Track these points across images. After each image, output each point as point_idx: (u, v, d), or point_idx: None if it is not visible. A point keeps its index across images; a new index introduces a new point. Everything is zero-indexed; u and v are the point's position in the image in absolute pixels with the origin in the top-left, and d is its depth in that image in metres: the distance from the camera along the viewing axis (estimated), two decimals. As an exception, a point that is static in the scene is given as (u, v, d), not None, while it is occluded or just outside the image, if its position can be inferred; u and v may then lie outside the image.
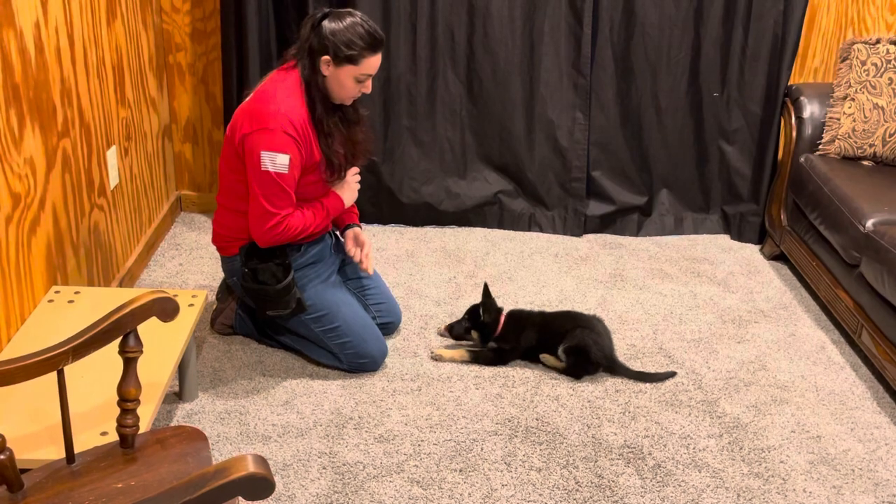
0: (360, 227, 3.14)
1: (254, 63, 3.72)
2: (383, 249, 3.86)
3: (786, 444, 2.77)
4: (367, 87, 2.85)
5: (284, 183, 2.76)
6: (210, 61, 3.91)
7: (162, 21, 3.82)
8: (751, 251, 4.07)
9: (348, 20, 2.74)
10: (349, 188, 3.02)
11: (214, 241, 3.03)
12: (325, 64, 2.75)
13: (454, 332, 3.17)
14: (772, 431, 2.83)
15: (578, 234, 4.13)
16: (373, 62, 2.79)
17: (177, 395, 2.84)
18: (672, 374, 3.06)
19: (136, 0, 3.48)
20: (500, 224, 4.16)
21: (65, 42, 2.79)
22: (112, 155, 3.23)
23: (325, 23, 2.74)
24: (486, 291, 3.15)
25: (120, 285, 3.30)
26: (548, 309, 3.35)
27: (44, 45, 2.64)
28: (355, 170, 3.03)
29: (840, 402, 3.00)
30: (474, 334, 3.14)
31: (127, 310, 1.83)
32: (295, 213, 2.84)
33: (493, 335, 3.12)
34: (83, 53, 2.94)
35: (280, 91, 2.77)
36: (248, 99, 2.86)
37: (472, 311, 3.16)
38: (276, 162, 2.72)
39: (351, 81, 2.79)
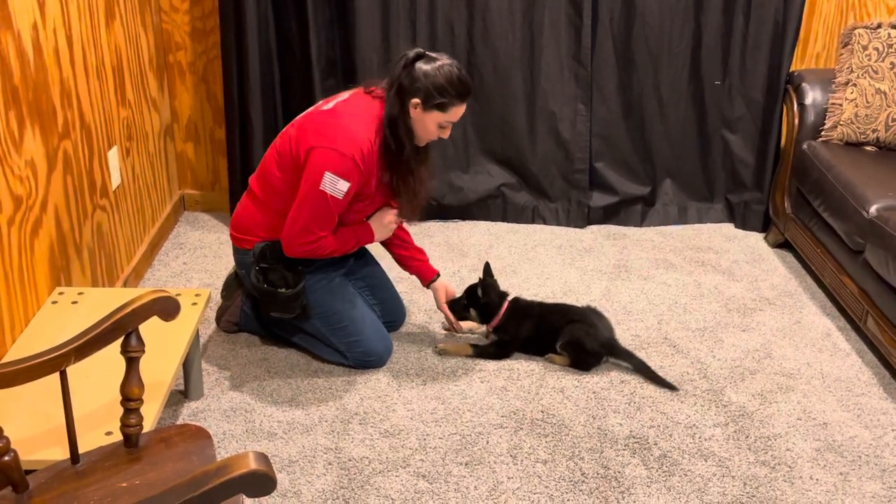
0: (440, 275, 3.19)
1: (253, 61, 3.71)
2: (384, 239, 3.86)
3: (792, 432, 2.76)
4: (447, 133, 2.86)
5: (335, 208, 2.76)
6: (210, 60, 3.91)
7: (161, 21, 3.82)
8: (755, 239, 4.06)
9: (441, 64, 2.73)
10: (383, 226, 3.01)
11: (233, 227, 3.01)
12: (414, 106, 2.74)
13: (453, 308, 3.18)
14: (778, 419, 2.82)
15: (582, 226, 4.12)
16: (460, 111, 2.80)
17: (182, 394, 2.84)
18: (673, 388, 2.96)
19: (135, 0, 3.48)
20: (504, 217, 4.16)
21: (63, 43, 2.80)
22: (113, 155, 3.24)
23: (419, 64, 2.73)
24: (487, 269, 3.18)
25: (124, 285, 3.31)
26: (550, 301, 3.35)
27: (42, 46, 2.64)
28: (394, 211, 3.02)
29: (846, 388, 2.99)
30: (473, 312, 3.15)
31: (128, 310, 1.83)
32: (330, 237, 2.85)
33: (495, 319, 3.12)
34: (82, 55, 2.95)
35: (360, 116, 2.77)
36: (322, 108, 2.85)
37: (470, 291, 3.17)
38: (337, 187, 2.72)
39: (434, 126, 2.79)
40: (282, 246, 2.86)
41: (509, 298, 3.17)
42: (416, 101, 2.73)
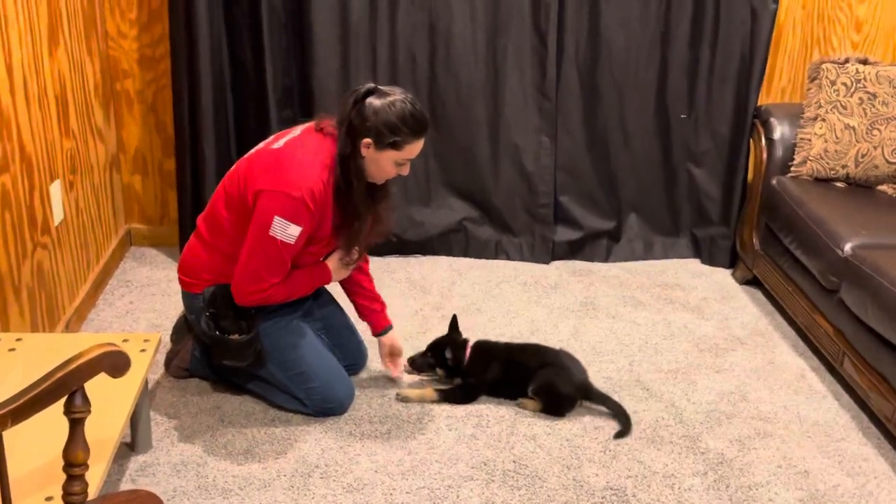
0: (392, 328, 3.02)
1: (206, 89, 3.54)
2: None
3: (773, 481, 2.65)
4: (406, 170, 2.69)
5: (287, 253, 2.60)
6: (160, 88, 3.73)
7: (108, 47, 3.64)
8: (722, 275, 3.98)
9: (394, 100, 2.56)
10: (340, 266, 2.85)
11: (180, 270, 2.84)
12: (366, 146, 2.58)
13: (416, 364, 3.03)
14: (758, 467, 2.71)
15: (547, 261, 4.01)
16: (416, 147, 2.63)
17: (128, 447, 2.65)
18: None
19: (81, 25, 3.30)
20: (466, 252, 4.03)
21: (2, 71, 2.61)
22: (56, 189, 3.04)
23: (370, 100, 2.56)
24: (454, 324, 3.02)
25: (66, 327, 3.10)
26: (518, 341, 3.22)
27: (-21, 74, 2.46)
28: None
29: (825, 433, 2.90)
30: (439, 371, 3.00)
31: (72, 366, 1.65)
32: (282, 284, 2.68)
33: (461, 368, 2.98)
34: (23, 83, 2.76)
35: (311, 156, 2.60)
36: (272, 147, 2.67)
37: (435, 347, 3.01)
38: (287, 232, 2.56)
39: (390, 165, 2.63)
40: (232, 294, 2.69)
41: (470, 344, 3.03)
42: (367, 140, 2.57)
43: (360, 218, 2.69)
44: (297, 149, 2.63)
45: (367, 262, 3.02)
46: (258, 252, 2.60)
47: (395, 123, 2.55)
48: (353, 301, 3.03)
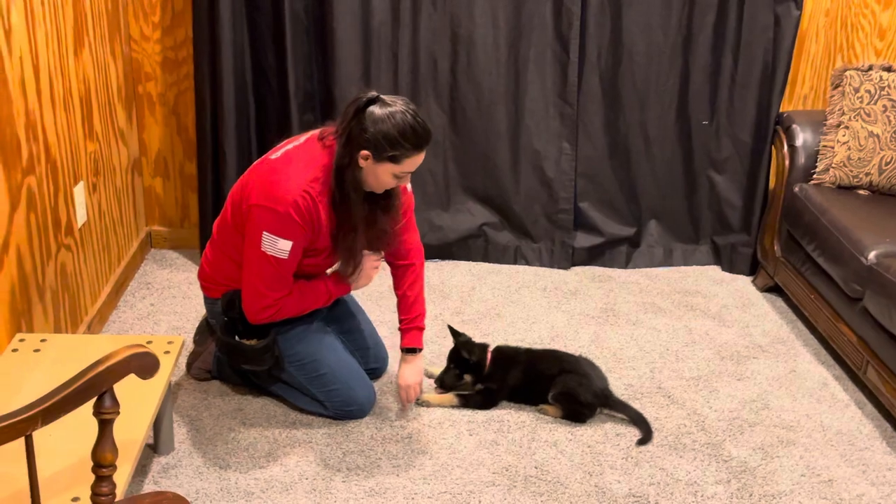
0: (419, 350, 2.87)
1: (228, 93, 3.55)
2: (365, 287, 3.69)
3: (797, 490, 2.64)
4: (405, 182, 2.64)
5: (282, 268, 2.58)
6: (182, 91, 3.75)
7: (131, 50, 3.66)
8: (743, 283, 3.96)
9: (394, 111, 2.47)
10: (364, 274, 2.81)
11: (200, 276, 2.86)
12: (364, 158, 2.50)
13: (446, 383, 2.97)
14: (781, 475, 2.69)
15: (566, 267, 4.00)
16: (416, 161, 2.54)
17: (151, 448, 2.65)
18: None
19: (105, 28, 3.31)
20: (486, 257, 4.02)
21: (30, 73, 2.62)
22: (80, 191, 3.05)
23: (371, 110, 2.47)
24: (453, 331, 2.99)
25: (88, 329, 3.11)
26: (538, 346, 3.21)
27: (7, 77, 2.46)
28: (373, 256, 2.81)
29: (849, 442, 2.88)
30: (468, 378, 2.96)
31: (102, 367, 1.65)
32: (292, 295, 2.67)
33: (484, 373, 2.96)
34: (49, 85, 2.77)
35: (299, 168, 2.54)
36: (271, 157, 2.64)
37: (455, 355, 2.97)
38: (277, 247, 2.54)
39: (388, 177, 2.54)
40: (246, 316, 2.69)
41: (490, 348, 3.02)
42: (365, 152, 2.48)
43: (356, 230, 2.62)
44: (290, 160, 2.59)
45: (415, 272, 2.91)
46: (253, 269, 2.60)
47: (395, 137, 2.46)
48: (397, 297, 2.95)
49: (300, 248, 2.59)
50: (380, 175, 2.54)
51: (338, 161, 2.53)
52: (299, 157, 2.60)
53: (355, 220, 2.59)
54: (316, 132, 2.68)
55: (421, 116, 2.52)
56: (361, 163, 2.52)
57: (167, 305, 3.49)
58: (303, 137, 2.69)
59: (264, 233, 2.53)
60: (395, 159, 2.50)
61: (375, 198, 2.64)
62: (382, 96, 2.51)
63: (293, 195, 2.50)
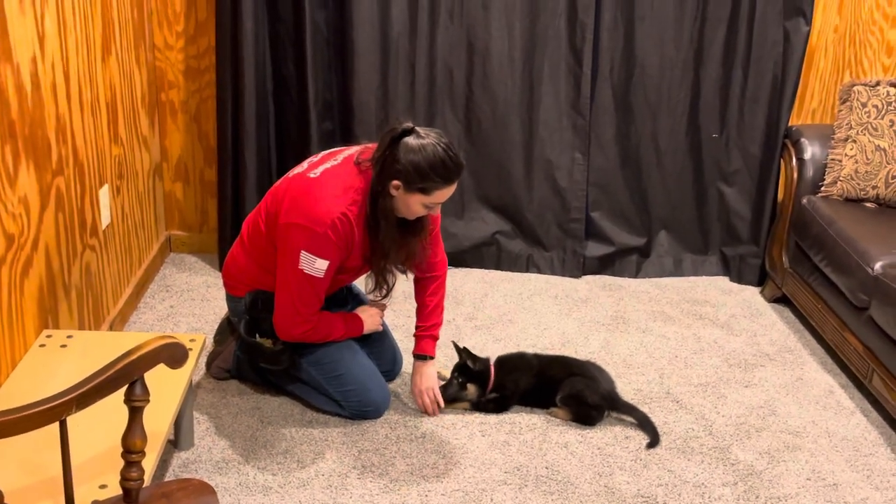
0: (431, 358, 2.98)
1: (249, 101, 3.64)
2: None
3: (802, 493, 2.69)
4: (435, 212, 2.73)
5: (317, 286, 2.67)
6: (203, 99, 3.84)
7: (155, 58, 3.75)
8: (751, 293, 4.02)
9: (426, 143, 2.54)
10: (372, 319, 2.95)
11: (224, 274, 2.94)
12: (395, 188, 2.58)
13: (448, 393, 3.00)
14: (787, 479, 2.75)
15: (577, 276, 4.07)
16: (446, 193, 2.61)
17: (171, 444, 2.72)
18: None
19: (130, 36, 3.41)
20: (498, 265, 4.09)
21: (60, 78, 2.71)
22: (104, 194, 3.14)
23: (405, 141, 2.55)
24: (456, 347, 3.05)
25: (110, 328, 3.19)
26: (550, 352, 3.28)
27: (40, 81, 2.55)
28: (384, 305, 3.00)
29: (853, 448, 2.93)
30: (471, 388, 3.00)
31: (134, 356, 1.73)
32: (322, 318, 2.77)
33: (488, 386, 3.02)
34: (78, 90, 2.86)
35: (339, 191, 2.62)
36: (309, 175, 2.69)
37: (460, 366, 3.02)
38: (314, 266, 2.62)
39: (419, 207, 2.63)
40: (277, 332, 2.78)
41: (492, 361, 3.06)
42: (396, 182, 2.57)
43: (387, 256, 2.73)
44: (328, 180, 2.66)
45: (437, 283, 3.01)
46: (291, 287, 2.68)
47: (426, 169, 2.53)
48: (417, 302, 3.05)
49: (335, 267, 2.67)
50: (411, 205, 2.62)
51: (372, 188, 2.63)
52: (338, 177, 2.67)
53: (387, 245, 2.69)
54: (352, 153, 2.75)
55: (453, 150, 2.59)
56: (393, 192, 2.60)
57: (186, 307, 3.57)
58: (340, 157, 2.76)
59: (302, 252, 2.61)
60: (424, 191, 2.58)
61: (407, 222, 2.73)
62: (417, 128, 2.59)
63: (332, 216, 2.58)
